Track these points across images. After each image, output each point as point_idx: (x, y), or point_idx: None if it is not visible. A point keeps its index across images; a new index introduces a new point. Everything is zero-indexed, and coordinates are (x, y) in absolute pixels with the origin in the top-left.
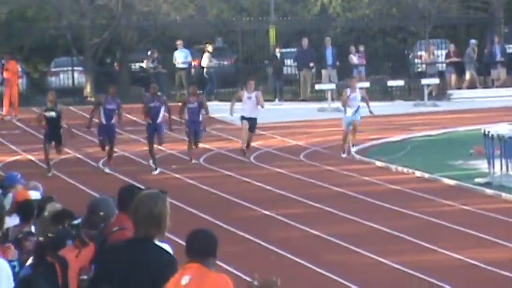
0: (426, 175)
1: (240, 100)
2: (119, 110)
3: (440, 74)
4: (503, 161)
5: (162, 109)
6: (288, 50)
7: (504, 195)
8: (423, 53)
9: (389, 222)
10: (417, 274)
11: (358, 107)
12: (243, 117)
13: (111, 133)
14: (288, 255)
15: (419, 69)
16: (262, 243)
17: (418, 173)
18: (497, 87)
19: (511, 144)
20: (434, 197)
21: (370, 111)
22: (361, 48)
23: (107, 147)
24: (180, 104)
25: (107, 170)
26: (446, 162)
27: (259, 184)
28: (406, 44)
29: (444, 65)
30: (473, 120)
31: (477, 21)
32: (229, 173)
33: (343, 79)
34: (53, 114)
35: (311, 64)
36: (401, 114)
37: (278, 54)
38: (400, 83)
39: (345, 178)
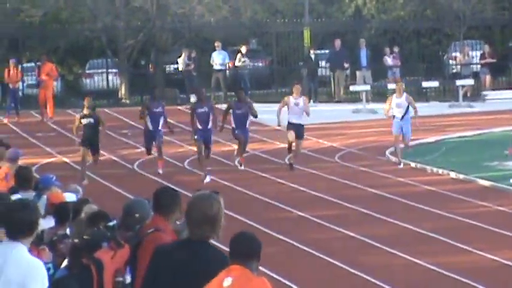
0: (461, 176)
1: (285, 106)
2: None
3: (475, 75)
4: None
5: (210, 115)
6: (323, 51)
7: None
8: (458, 54)
9: (424, 223)
10: (452, 275)
11: (406, 113)
12: (290, 124)
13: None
14: (323, 256)
15: (454, 71)
16: (297, 244)
17: (453, 174)
18: None
19: None
20: (469, 198)
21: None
22: (396, 49)
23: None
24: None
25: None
26: (481, 163)
27: (293, 186)
28: (440, 46)
29: (479, 66)
30: (508, 121)
31: None
32: (264, 175)
33: (378, 80)
34: (90, 120)
35: (346, 65)
36: (436, 115)
37: (312, 56)
38: (435, 84)
39: (380, 179)
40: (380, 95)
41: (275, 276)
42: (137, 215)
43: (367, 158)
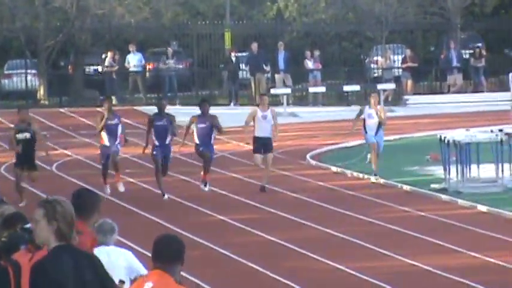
0: (382, 181)
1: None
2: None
3: (397, 79)
4: (459, 167)
5: (169, 129)
6: (244, 54)
7: (460, 201)
8: (379, 58)
9: (345, 228)
10: (372, 280)
11: (379, 127)
12: (257, 138)
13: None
14: (244, 261)
15: (376, 75)
16: (217, 248)
17: (373, 179)
18: (453, 92)
19: (467, 151)
20: (390, 203)
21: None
22: (317, 53)
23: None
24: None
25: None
26: (403, 168)
27: (214, 189)
28: (362, 49)
29: (400, 70)
30: (430, 126)
31: (434, 27)
32: (185, 178)
33: (299, 84)
34: (26, 135)
35: (266, 68)
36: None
37: (233, 58)
38: (356, 88)
39: (301, 183)
40: (301, 98)
41: (196, 280)
42: None
43: (288, 162)
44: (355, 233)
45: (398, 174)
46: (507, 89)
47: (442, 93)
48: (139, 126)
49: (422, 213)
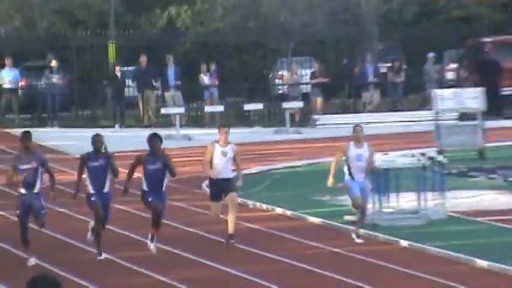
0: (289, 212)
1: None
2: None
3: (305, 97)
4: (376, 196)
5: (108, 172)
6: (130, 68)
7: (378, 235)
8: (285, 72)
9: (247, 265)
10: None
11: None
12: (213, 181)
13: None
14: None
15: (281, 91)
16: None
17: (279, 210)
18: (369, 111)
19: (385, 178)
20: (298, 237)
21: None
22: (213, 66)
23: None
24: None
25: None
26: (312, 198)
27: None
28: (265, 62)
29: (309, 86)
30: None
31: (347, 37)
32: (63, 210)
33: (194, 102)
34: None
35: (156, 84)
36: (260, 142)
37: (118, 74)
38: (259, 106)
39: (196, 216)
40: (195, 119)
41: None
42: None
43: (182, 192)
44: (259, 271)
45: (308, 205)
46: (430, 107)
47: (356, 112)
48: (12, 152)
49: (336, 250)
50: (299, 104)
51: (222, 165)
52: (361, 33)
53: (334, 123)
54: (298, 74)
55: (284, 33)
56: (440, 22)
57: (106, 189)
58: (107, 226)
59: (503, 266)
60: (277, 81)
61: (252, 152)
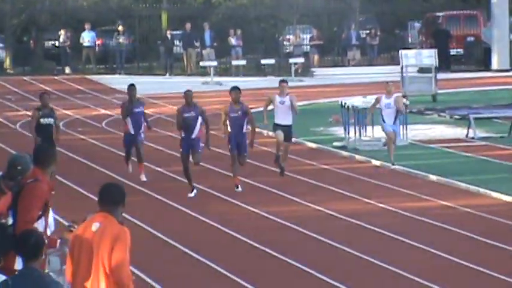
0: (293, 139)
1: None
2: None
3: (305, 55)
4: (357, 128)
5: (199, 121)
6: (178, 32)
7: (357, 156)
8: (291, 36)
9: (257, 178)
10: (283, 222)
11: (396, 117)
12: (276, 125)
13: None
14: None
15: (288, 50)
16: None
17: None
18: (352, 66)
19: (363, 114)
20: (298, 157)
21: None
22: (239, 31)
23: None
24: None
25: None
26: (310, 129)
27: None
28: (277, 29)
29: (308, 47)
30: (332, 94)
31: (337, 11)
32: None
33: (223, 57)
34: (50, 120)
35: (196, 44)
36: (272, 87)
37: (169, 36)
38: (272, 61)
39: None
40: (225, 70)
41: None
42: (19, 168)
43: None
44: (267, 182)
45: (306, 133)
46: (397, 63)
47: (343, 66)
48: (90, 92)
49: (326, 167)
50: (301, 60)
51: (281, 112)
52: (347, 8)
53: (327, 74)
54: (300, 38)
55: (290, 7)
56: (406, 0)
57: (194, 135)
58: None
59: (448, 179)
60: (285, 42)
61: (267, 94)
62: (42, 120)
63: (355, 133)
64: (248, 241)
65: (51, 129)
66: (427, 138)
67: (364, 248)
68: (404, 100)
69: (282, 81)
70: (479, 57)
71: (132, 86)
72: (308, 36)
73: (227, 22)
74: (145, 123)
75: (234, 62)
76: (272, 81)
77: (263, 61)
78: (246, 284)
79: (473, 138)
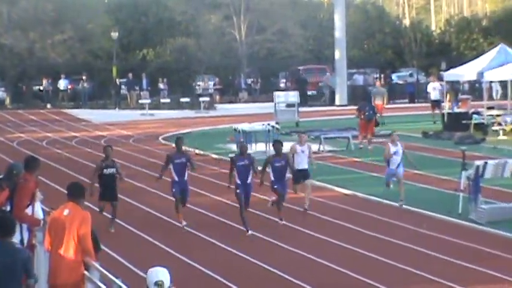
0: (202, 152)
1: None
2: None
3: (210, 95)
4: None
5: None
6: (124, 79)
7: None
8: (201, 82)
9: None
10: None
11: (400, 161)
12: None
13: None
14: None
15: (199, 92)
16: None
17: (197, 151)
18: (242, 102)
19: (250, 135)
20: (205, 164)
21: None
22: (165, 79)
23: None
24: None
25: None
26: (213, 145)
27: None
28: (191, 77)
29: (213, 89)
30: (229, 121)
31: (231, 65)
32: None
33: (155, 96)
34: (112, 171)
35: (136, 87)
36: (187, 117)
37: (118, 82)
38: (187, 99)
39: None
40: (156, 105)
41: None
42: (15, 172)
43: (146, 143)
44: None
45: (211, 148)
46: (272, 101)
47: (236, 102)
48: (64, 120)
49: (224, 171)
50: (207, 98)
51: (300, 159)
52: (238, 63)
53: (225, 108)
54: (207, 83)
55: (200, 62)
56: (277, 57)
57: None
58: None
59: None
60: (197, 87)
61: (184, 122)
62: (105, 170)
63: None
64: None
65: (113, 178)
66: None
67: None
68: (276, 125)
69: (302, 133)
70: (327, 96)
71: (178, 140)
72: (212, 82)
73: (157, 73)
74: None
75: (162, 100)
76: (188, 113)
77: (182, 99)
78: None
79: (323, 151)
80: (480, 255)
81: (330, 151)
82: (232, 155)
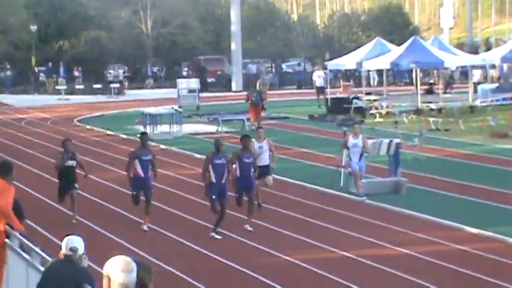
0: (109, 132)
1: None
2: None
3: (120, 82)
4: (151, 126)
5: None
6: (43, 68)
7: (153, 143)
8: (112, 70)
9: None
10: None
11: (361, 155)
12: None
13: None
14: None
15: (110, 79)
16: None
17: (109, 132)
18: (149, 88)
19: (155, 118)
20: (114, 143)
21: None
22: (79, 68)
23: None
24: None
25: (145, 228)
26: (123, 126)
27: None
28: (103, 66)
29: (122, 76)
30: (137, 105)
31: (139, 55)
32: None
33: (71, 83)
34: (73, 163)
35: (54, 75)
36: (102, 101)
37: (37, 70)
38: (100, 86)
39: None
40: (71, 91)
41: None
42: None
43: (63, 125)
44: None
45: (121, 129)
46: (175, 87)
47: (143, 88)
48: None
49: (132, 149)
50: (117, 85)
51: (260, 157)
52: (145, 53)
53: (133, 94)
54: (118, 71)
55: (111, 52)
56: (180, 48)
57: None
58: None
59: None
60: (108, 74)
61: (97, 106)
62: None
63: (151, 129)
64: None
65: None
66: (194, 131)
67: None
68: (179, 109)
69: (259, 127)
70: (224, 83)
71: (144, 135)
72: (122, 70)
73: (72, 62)
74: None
75: (77, 86)
76: (100, 98)
77: (95, 86)
78: None
79: (220, 132)
80: (359, 223)
81: (227, 132)
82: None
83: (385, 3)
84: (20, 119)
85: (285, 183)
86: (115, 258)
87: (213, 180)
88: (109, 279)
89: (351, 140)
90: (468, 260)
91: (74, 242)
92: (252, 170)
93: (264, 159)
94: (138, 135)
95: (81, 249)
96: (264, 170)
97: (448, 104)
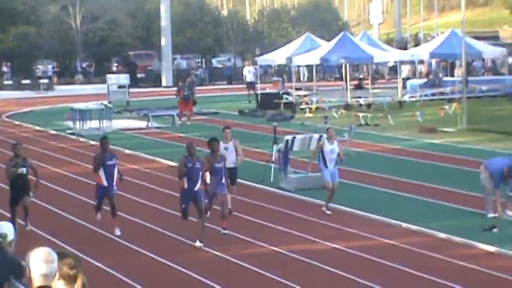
0: (38, 128)
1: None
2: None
3: (49, 78)
4: (80, 122)
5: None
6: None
7: (81, 139)
8: (41, 66)
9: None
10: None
11: (336, 162)
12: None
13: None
14: None
15: (39, 74)
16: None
17: (38, 128)
18: (78, 84)
19: (85, 113)
20: (44, 139)
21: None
22: (8, 63)
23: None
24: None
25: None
26: (52, 122)
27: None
28: (33, 62)
29: (52, 72)
30: (66, 101)
31: (68, 51)
32: None
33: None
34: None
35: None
36: (31, 97)
37: None
38: (28, 81)
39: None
40: (0, 87)
41: None
42: None
43: None
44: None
45: (50, 125)
46: (105, 82)
47: (72, 84)
48: None
49: (62, 145)
50: (46, 80)
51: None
52: (75, 49)
53: (63, 89)
54: (47, 67)
55: (39, 48)
56: (110, 44)
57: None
58: None
59: (136, 152)
60: (37, 70)
61: (25, 102)
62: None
63: (80, 125)
64: None
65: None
66: (124, 127)
67: None
68: (109, 104)
69: (225, 128)
70: (154, 78)
71: (105, 139)
72: (51, 66)
73: (1, 57)
74: (118, 176)
75: (5, 82)
76: (29, 93)
77: (23, 81)
78: None
79: (151, 127)
80: (288, 218)
81: (157, 127)
82: (70, 131)
83: None
84: None
85: None
86: (36, 250)
87: (185, 185)
88: (30, 270)
89: (328, 146)
90: (396, 254)
91: (4, 228)
92: (224, 176)
93: (230, 162)
94: (98, 141)
95: (10, 235)
96: (230, 173)
97: (377, 99)
